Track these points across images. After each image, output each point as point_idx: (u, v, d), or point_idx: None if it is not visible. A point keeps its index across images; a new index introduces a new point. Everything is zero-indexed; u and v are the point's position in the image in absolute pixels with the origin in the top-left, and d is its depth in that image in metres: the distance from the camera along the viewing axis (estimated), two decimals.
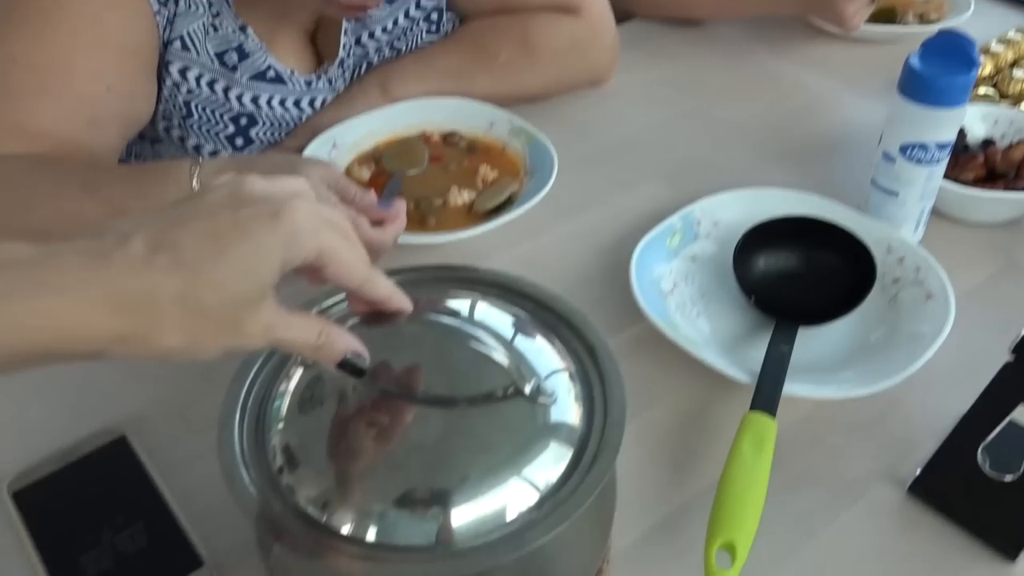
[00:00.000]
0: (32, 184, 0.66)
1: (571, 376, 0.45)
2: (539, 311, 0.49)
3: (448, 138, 0.86)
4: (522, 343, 0.46)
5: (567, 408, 0.44)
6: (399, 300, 0.43)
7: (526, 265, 0.73)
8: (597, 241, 0.76)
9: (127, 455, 0.57)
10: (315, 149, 0.79)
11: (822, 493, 0.56)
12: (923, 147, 0.65)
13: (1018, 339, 0.48)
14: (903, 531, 0.54)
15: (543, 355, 0.46)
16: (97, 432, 0.59)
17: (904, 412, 0.60)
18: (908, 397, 0.61)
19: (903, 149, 0.66)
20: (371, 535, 0.39)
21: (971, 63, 0.62)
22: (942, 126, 0.64)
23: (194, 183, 0.64)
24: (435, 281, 0.51)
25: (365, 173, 0.81)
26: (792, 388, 0.57)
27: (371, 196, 0.65)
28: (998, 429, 0.50)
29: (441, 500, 0.39)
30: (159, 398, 0.62)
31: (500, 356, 0.43)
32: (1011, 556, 0.51)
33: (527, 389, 0.42)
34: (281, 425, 0.43)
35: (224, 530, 0.53)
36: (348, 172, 0.81)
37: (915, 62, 0.64)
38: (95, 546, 0.52)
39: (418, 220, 0.76)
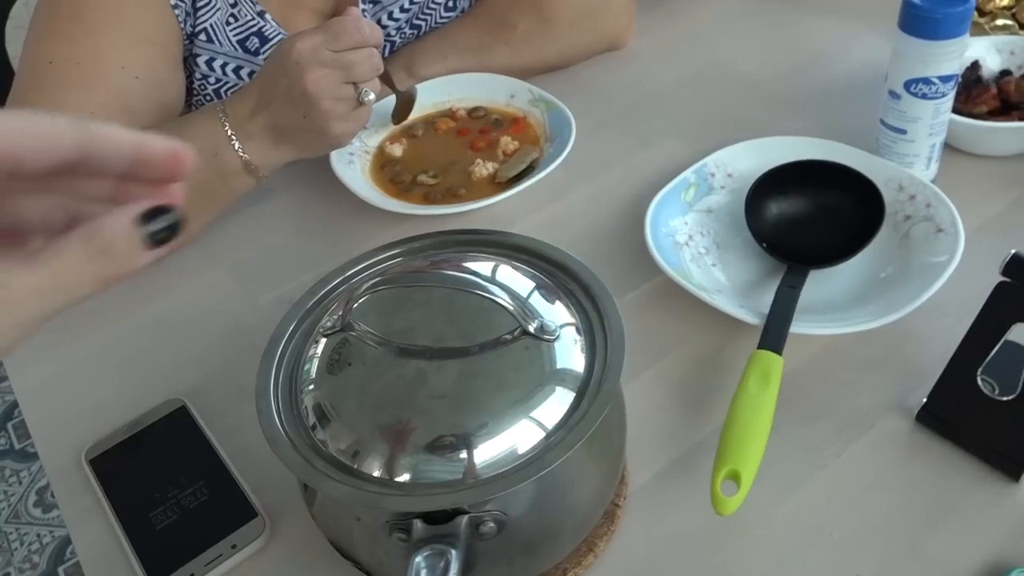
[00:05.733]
0: None
1: (572, 314, 0.48)
2: (537, 261, 0.51)
3: (473, 113, 0.88)
4: (525, 291, 0.49)
5: (570, 343, 0.46)
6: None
7: (548, 227, 0.76)
8: (616, 200, 0.77)
9: (188, 422, 0.62)
10: None
11: (832, 426, 0.57)
12: (927, 81, 0.65)
13: (1008, 259, 0.48)
14: (910, 459, 0.55)
15: (545, 300, 0.48)
16: (161, 404, 0.64)
17: (917, 345, 0.61)
18: (921, 331, 0.62)
19: (907, 85, 0.66)
20: (400, 476, 0.42)
21: None
22: (944, 59, 0.64)
23: (222, 120, 0.70)
24: (442, 245, 0.54)
25: (397, 150, 0.85)
26: (800, 327, 0.59)
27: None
28: (995, 350, 0.50)
29: (461, 438, 0.42)
30: (215, 371, 0.67)
31: (506, 304, 0.45)
32: (1015, 476, 0.51)
33: (532, 329, 0.45)
34: (311, 387, 0.47)
35: (274, 485, 0.57)
36: (380, 150, 0.85)
37: None
38: (162, 503, 0.57)
39: (448, 191, 0.79)
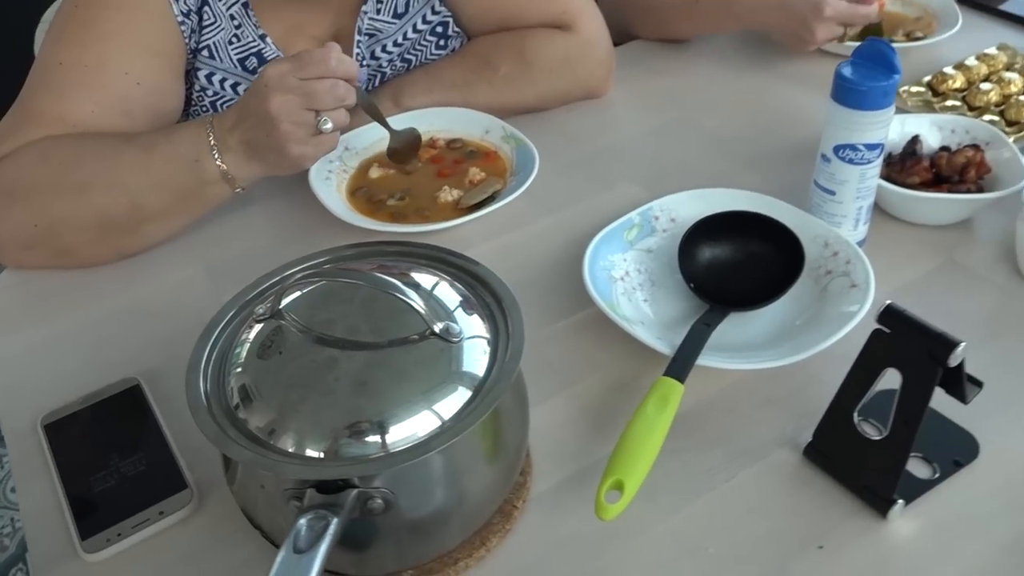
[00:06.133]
0: (79, 145, 0.78)
1: (485, 325, 0.53)
2: (461, 275, 0.57)
3: (451, 144, 0.94)
4: (445, 299, 0.54)
5: (476, 349, 0.51)
6: None
7: (502, 253, 0.81)
8: (568, 235, 0.82)
9: (140, 400, 0.68)
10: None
11: (727, 454, 0.61)
12: (853, 148, 0.70)
13: (882, 309, 0.53)
14: (795, 489, 0.59)
15: (464, 310, 0.53)
16: (118, 381, 0.69)
17: (819, 388, 0.65)
18: (825, 376, 0.65)
19: (836, 150, 0.71)
20: (303, 451, 0.47)
21: (892, 70, 0.67)
22: (868, 128, 0.69)
23: (208, 131, 0.76)
24: (378, 254, 0.59)
25: (375, 173, 0.91)
26: (711, 361, 0.63)
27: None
28: (870, 393, 0.54)
29: (360, 422, 0.47)
30: (172, 357, 0.71)
31: (418, 307, 0.50)
32: (882, 512, 0.55)
33: (437, 330, 0.50)
34: (238, 368, 0.52)
35: (208, 464, 0.62)
36: (363, 173, 0.91)
37: (844, 70, 0.69)
38: (103, 469, 0.62)
39: (414, 213, 0.84)
